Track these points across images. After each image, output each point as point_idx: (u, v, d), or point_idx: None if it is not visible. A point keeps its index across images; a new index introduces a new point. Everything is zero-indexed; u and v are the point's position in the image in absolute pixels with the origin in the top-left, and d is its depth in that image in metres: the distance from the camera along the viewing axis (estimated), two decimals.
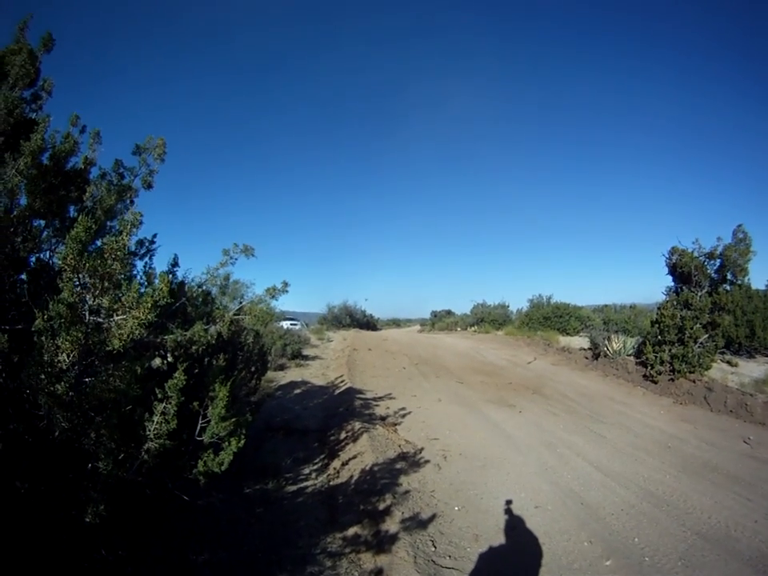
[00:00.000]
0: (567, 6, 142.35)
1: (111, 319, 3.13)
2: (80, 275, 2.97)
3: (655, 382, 11.79)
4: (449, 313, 48.56)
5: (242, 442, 4.06)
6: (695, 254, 12.65)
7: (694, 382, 11.17)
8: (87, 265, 2.92)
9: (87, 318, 3.02)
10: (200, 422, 4.13)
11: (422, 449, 7.27)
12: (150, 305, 3.12)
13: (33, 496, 3.03)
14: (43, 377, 2.86)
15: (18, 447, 3.02)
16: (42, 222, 4.22)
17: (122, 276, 3.29)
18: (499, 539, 4.78)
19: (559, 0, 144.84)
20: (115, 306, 3.12)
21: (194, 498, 4.36)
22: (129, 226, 3.33)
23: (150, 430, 3.41)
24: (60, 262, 2.95)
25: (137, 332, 3.10)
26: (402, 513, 5.13)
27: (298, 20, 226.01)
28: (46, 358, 2.86)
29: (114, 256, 3.04)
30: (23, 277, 4.10)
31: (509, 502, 5.46)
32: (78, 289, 2.96)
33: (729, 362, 12.75)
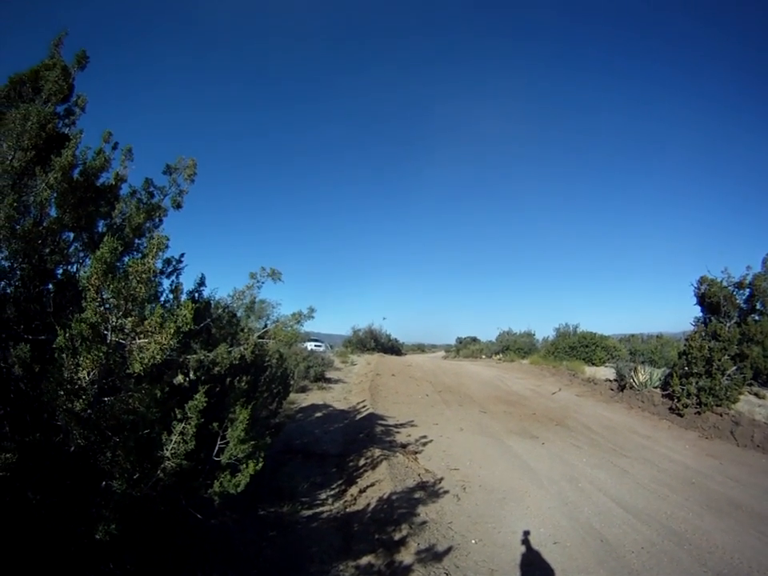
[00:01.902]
0: (596, 32, 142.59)
1: (133, 342, 3.17)
2: (104, 296, 3.03)
3: (681, 415, 11.56)
4: (474, 340, 48.29)
5: (260, 464, 4.01)
6: (724, 284, 12.51)
7: (720, 415, 10.94)
8: (111, 286, 2.98)
9: (109, 338, 3.06)
10: (218, 442, 4.10)
11: (441, 479, 7.19)
12: (172, 331, 3.12)
13: (44, 507, 3.05)
14: (62, 393, 2.89)
15: (32, 458, 3.05)
16: (71, 235, 4.29)
17: (146, 299, 3.33)
18: (515, 575, 4.71)
19: (587, 26, 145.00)
20: (138, 330, 3.16)
21: (207, 516, 4.34)
22: (154, 250, 3.37)
23: (167, 449, 3.42)
24: (84, 282, 3.00)
25: (158, 357, 3.11)
26: (418, 544, 5.07)
27: (325, 40, 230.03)
28: (66, 375, 2.89)
29: (138, 278, 3.08)
30: (49, 287, 4.14)
31: (527, 537, 5.37)
32: (102, 309, 3.00)
33: (756, 394, 12.45)
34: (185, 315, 3.27)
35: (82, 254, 4.43)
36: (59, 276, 4.25)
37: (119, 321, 3.09)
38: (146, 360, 3.09)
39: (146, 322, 3.15)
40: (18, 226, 3.62)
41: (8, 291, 3.80)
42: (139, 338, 3.16)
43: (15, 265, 3.77)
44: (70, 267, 4.38)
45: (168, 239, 3.67)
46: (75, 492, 3.29)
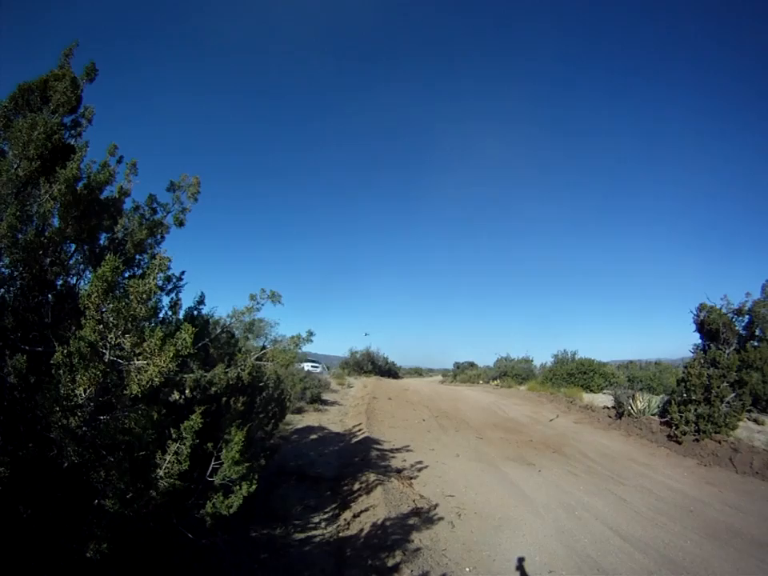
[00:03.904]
0: (598, 51, 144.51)
1: (132, 363, 3.14)
2: (103, 315, 3.00)
3: (679, 443, 11.49)
4: (472, 365, 48.11)
5: (254, 486, 3.99)
6: (723, 311, 12.53)
7: (719, 442, 10.88)
8: (111, 306, 2.95)
9: (107, 357, 3.03)
10: (212, 463, 4.08)
11: (436, 505, 7.12)
12: (172, 354, 3.10)
13: (35, 522, 3.01)
14: (58, 409, 2.87)
15: (25, 472, 3.01)
16: (73, 246, 4.27)
17: (146, 317, 3.30)
18: None
19: (590, 45, 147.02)
20: (137, 351, 3.13)
21: (198, 537, 4.26)
22: (156, 270, 3.35)
23: (161, 468, 3.39)
24: (85, 300, 2.97)
25: (157, 380, 3.09)
26: (411, 571, 4.98)
27: (330, 60, 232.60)
28: (62, 392, 2.87)
29: (139, 299, 3.06)
30: (49, 298, 4.09)
31: (522, 565, 5.30)
32: (100, 327, 2.98)
33: (755, 421, 12.40)
34: (185, 339, 3.26)
35: (82, 267, 4.41)
36: (59, 287, 4.21)
37: (118, 340, 3.07)
38: (144, 382, 3.07)
39: (145, 344, 3.13)
40: (20, 236, 3.59)
41: (7, 299, 3.77)
42: (138, 360, 3.14)
43: (15, 273, 3.73)
44: (69, 279, 4.34)
45: (170, 260, 3.64)
46: (67, 509, 3.25)
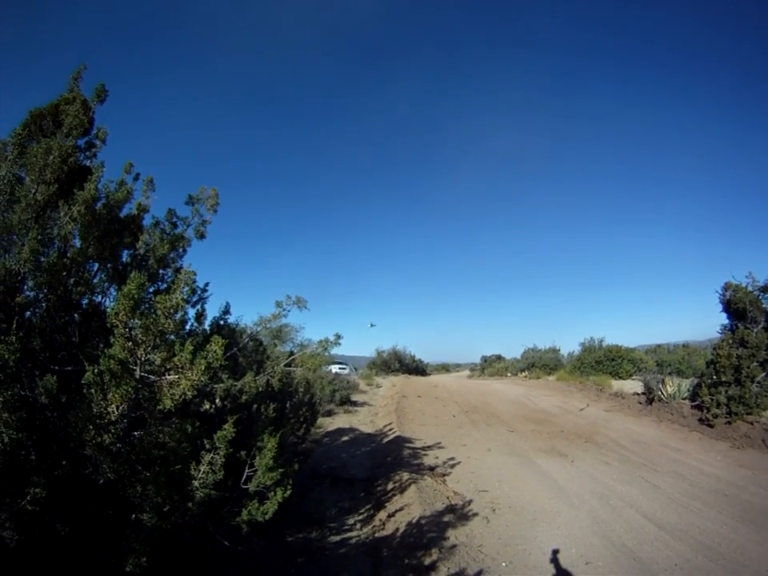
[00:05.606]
0: (609, 41, 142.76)
1: (163, 377, 3.19)
2: (132, 331, 3.07)
3: (711, 426, 11.34)
4: (499, 358, 47.77)
5: (288, 492, 4.00)
6: (749, 289, 12.33)
7: (751, 423, 10.73)
8: (139, 322, 3.02)
9: (138, 373, 3.09)
10: (246, 470, 4.10)
11: (470, 501, 7.12)
12: (203, 367, 3.14)
13: (73, 539, 3.08)
14: (91, 427, 2.92)
15: (60, 490, 3.07)
16: (95, 265, 4.34)
17: (174, 334, 3.38)
18: None
19: (601, 36, 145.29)
20: (168, 365, 3.19)
21: (235, 544, 4.29)
22: (182, 285, 3.41)
23: (196, 480, 3.42)
24: (112, 318, 3.02)
25: (189, 393, 3.14)
26: (448, 568, 5.00)
27: (340, 61, 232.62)
28: (95, 410, 2.93)
29: (166, 314, 3.11)
30: (75, 317, 4.15)
31: (558, 558, 5.31)
32: (130, 344, 3.04)
33: None
34: (215, 351, 3.29)
35: (106, 285, 4.48)
36: (84, 306, 4.28)
37: (148, 355, 3.14)
38: (177, 396, 3.12)
39: (175, 359, 3.17)
40: (42, 259, 3.65)
41: (34, 321, 3.82)
42: (169, 374, 3.19)
43: (41, 296, 3.80)
44: (94, 297, 4.41)
45: (195, 274, 3.70)
46: (104, 524, 3.31)
